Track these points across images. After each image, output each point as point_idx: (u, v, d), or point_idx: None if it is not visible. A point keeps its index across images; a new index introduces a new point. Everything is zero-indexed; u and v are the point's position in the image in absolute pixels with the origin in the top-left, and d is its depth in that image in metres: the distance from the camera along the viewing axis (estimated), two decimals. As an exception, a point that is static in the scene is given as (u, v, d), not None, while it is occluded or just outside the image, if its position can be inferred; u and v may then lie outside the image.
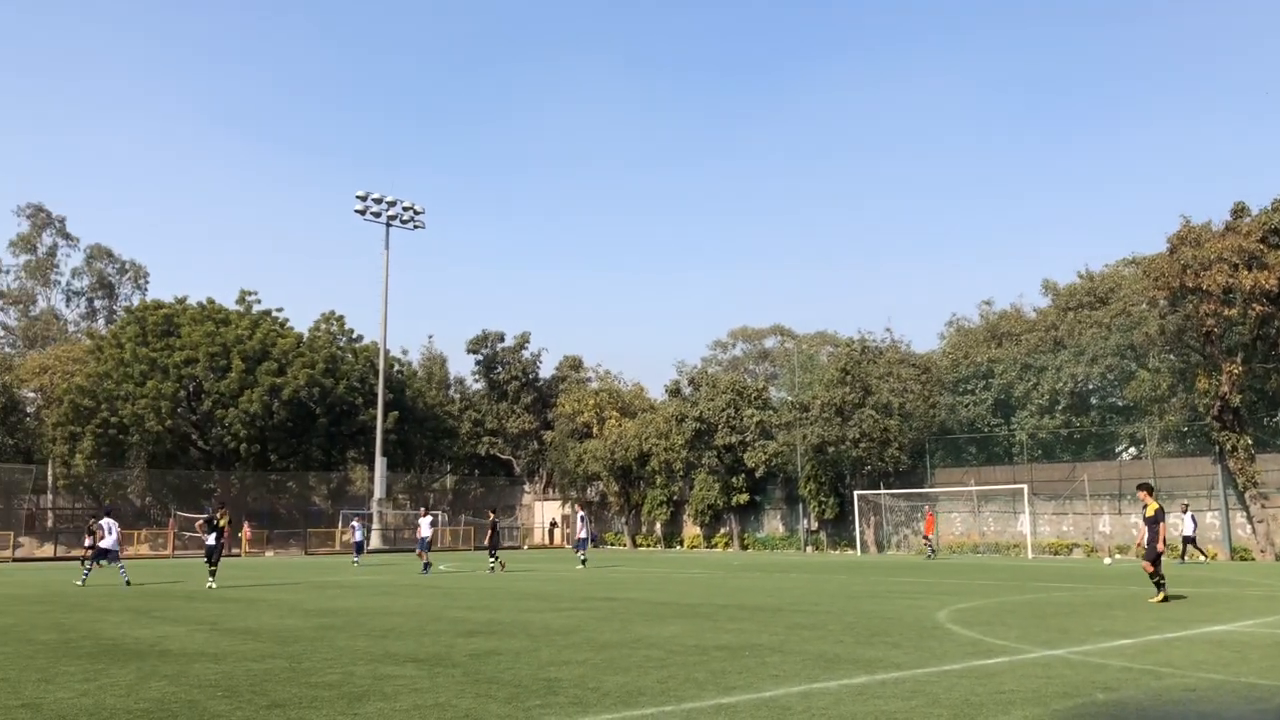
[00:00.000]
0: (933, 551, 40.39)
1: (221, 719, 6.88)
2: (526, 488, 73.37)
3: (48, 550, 49.67)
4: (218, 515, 23.95)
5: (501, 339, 74.43)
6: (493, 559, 29.12)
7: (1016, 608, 15.94)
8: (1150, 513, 17.17)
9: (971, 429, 48.44)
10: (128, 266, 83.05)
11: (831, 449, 47.11)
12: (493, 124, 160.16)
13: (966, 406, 48.87)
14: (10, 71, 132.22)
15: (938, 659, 9.89)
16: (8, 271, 79.64)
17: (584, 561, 32.24)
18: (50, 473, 61.13)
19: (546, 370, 76.21)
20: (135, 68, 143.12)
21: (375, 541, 55.68)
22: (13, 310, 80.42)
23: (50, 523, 60.24)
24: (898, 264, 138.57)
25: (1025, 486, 41.29)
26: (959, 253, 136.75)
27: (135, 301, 74.95)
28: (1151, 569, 17.06)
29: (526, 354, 74.65)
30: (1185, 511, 34.87)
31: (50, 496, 63.99)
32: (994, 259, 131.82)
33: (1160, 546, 17.01)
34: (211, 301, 63.09)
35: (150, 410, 55.54)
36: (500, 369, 74.63)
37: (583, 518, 34.09)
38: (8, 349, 76.95)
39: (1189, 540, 33.88)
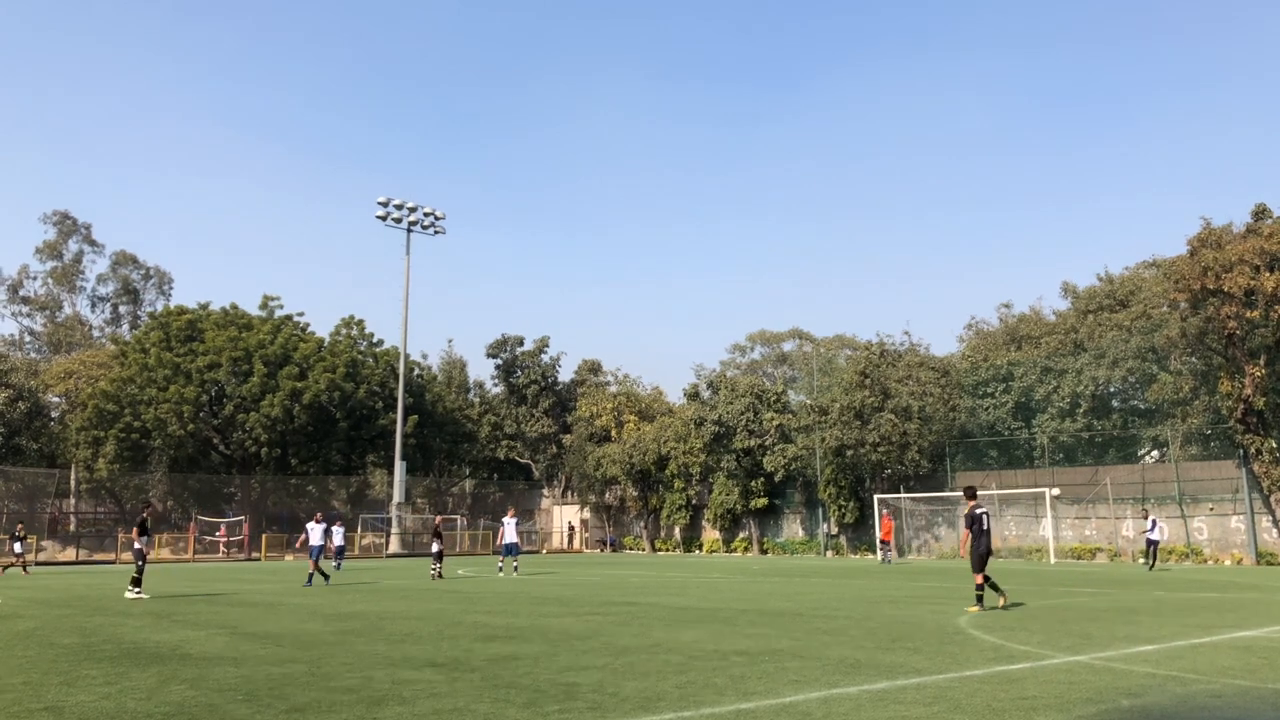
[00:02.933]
0: (887, 558, 38.93)
1: (241, 723, 6.89)
2: (545, 492, 73.45)
3: (70, 554, 50.07)
4: (145, 515, 21.24)
5: (521, 343, 74.59)
6: (435, 565, 27.98)
7: (1039, 613, 15.80)
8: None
9: (992, 432, 48.13)
10: (152, 273, 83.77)
11: (851, 452, 46.91)
12: (513, 130, 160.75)
13: (986, 410, 48.56)
14: (37, 80, 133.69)
15: (959, 664, 9.81)
16: (34, 278, 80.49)
17: (515, 569, 29.94)
18: (73, 477, 61.66)
19: (565, 374, 76.38)
20: (160, 76, 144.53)
21: (394, 546, 55.92)
22: (39, 316, 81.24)
23: (73, 526, 60.72)
24: (916, 267, 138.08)
25: (1047, 490, 40.97)
26: (978, 255, 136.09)
27: (159, 307, 75.54)
28: (981, 580, 16.09)
29: (545, 358, 74.78)
30: (1147, 517, 33.91)
31: (73, 500, 64.53)
32: (1013, 262, 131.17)
33: (963, 552, 16.28)
34: (234, 307, 63.52)
35: (173, 414, 55.95)
36: (519, 373, 74.77)
37: (514, 521, 30.60)
38: (33, 354, 77.70)
39: (1153, 544, 32.97)
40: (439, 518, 31.10)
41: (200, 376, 57.04)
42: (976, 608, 15.89)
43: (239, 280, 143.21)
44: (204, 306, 63.61)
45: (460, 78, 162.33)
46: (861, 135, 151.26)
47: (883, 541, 39.71)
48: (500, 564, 30.55)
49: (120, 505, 63.99)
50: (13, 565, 35.42)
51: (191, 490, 59.84)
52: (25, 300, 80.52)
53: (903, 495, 47.04)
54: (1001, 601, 16.24)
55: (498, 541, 31.18)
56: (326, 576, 26.85)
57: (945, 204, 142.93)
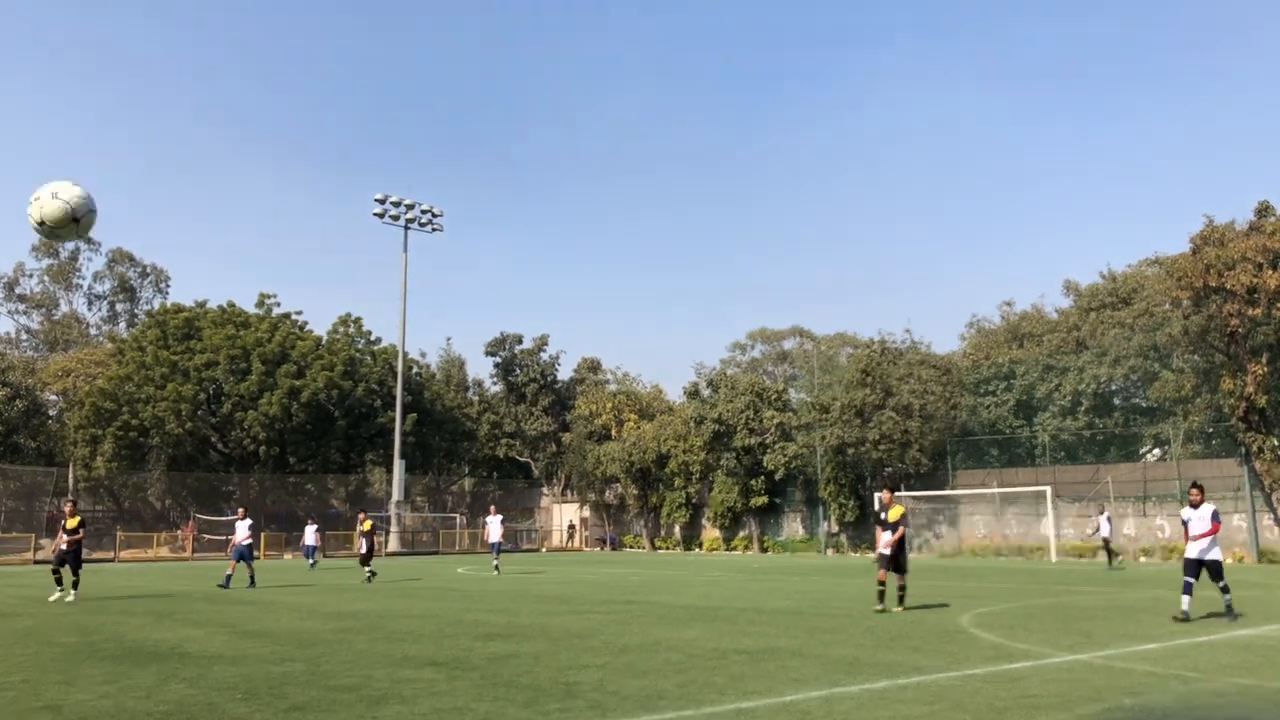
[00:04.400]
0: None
1: (240, 722, 6.86)
2: (545, 490, 73.43)
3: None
4: (67, 514, 20.19)
5: (519, 341, 74.57)
6: (366, 569, 26.96)
7: (1040, 611, 15.78)
8: (893, 517, 15.92)
9: (993, 430, 48.12)
10: (149, 270, 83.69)
11: (852, 451, 46.90)
12: (511, 127, 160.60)
13: (988, 408, 48.55)
14: (28, 74, 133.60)
15: (960, 663, 9.78)
16: (31, 275, 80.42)
17: (496, 567, 30.07)
18: (71, 475, 61.59)
19: (565, 372, 76.31)
20: (153, 70, 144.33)
21: (393, 544, 55.87)
22: (35, 314, 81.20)
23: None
24: (918, 265, 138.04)
25: (1048, 488, 40.93)
26: (980, 253, 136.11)
27: (156, 305, 75.52)
28: (884, 578, 15.66)
29: (545, 356, 74.75)
30: (1102, 513, 33.87)
31: (71, 499, 64.44)
32: (1015, 260, 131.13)
33: (883, 550, 15.82)
34: (232, 305, 63.47)
35: (171, 413, 55.91)
36: (518, 371, 74.74)
37: (499, 519, 31.23)
38: (30, 352, 77.65)
39: (1106, 542, 32.96)
40: (362, 515, 29.37)
41: (198, 375, 57.00)
42: (900, 608, 15.46)
43: (235, 278, 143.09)
44: (201, 304, 63.56)
45: (458, 73, 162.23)
46: (861, 130, 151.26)
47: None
48: (495, 562, 30.59)
49: (119, 503, 63.95)
50: None
51: (190, 488, 59.82)
52: (22, 298, 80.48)
53: (904, 493, 46.96)
54: (877, 607, 15.49)
55: (484, 540, 31.29)
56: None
57: (947, 201, 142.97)
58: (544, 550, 62.46)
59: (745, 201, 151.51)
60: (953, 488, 46.14)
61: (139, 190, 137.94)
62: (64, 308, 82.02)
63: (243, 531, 25.59)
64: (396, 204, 61.06)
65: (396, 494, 58.30)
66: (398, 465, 58.41)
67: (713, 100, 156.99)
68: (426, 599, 19.33)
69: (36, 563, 43.65)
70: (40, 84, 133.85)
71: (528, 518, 70.34)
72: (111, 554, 49.07)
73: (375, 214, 60.66)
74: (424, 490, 70.12)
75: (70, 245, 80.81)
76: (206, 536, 52.33)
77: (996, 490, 44.04)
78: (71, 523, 20.17)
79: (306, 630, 13.18)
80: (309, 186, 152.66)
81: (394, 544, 55.98)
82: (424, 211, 62.10)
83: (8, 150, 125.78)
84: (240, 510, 27.49)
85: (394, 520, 57.50)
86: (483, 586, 23.50)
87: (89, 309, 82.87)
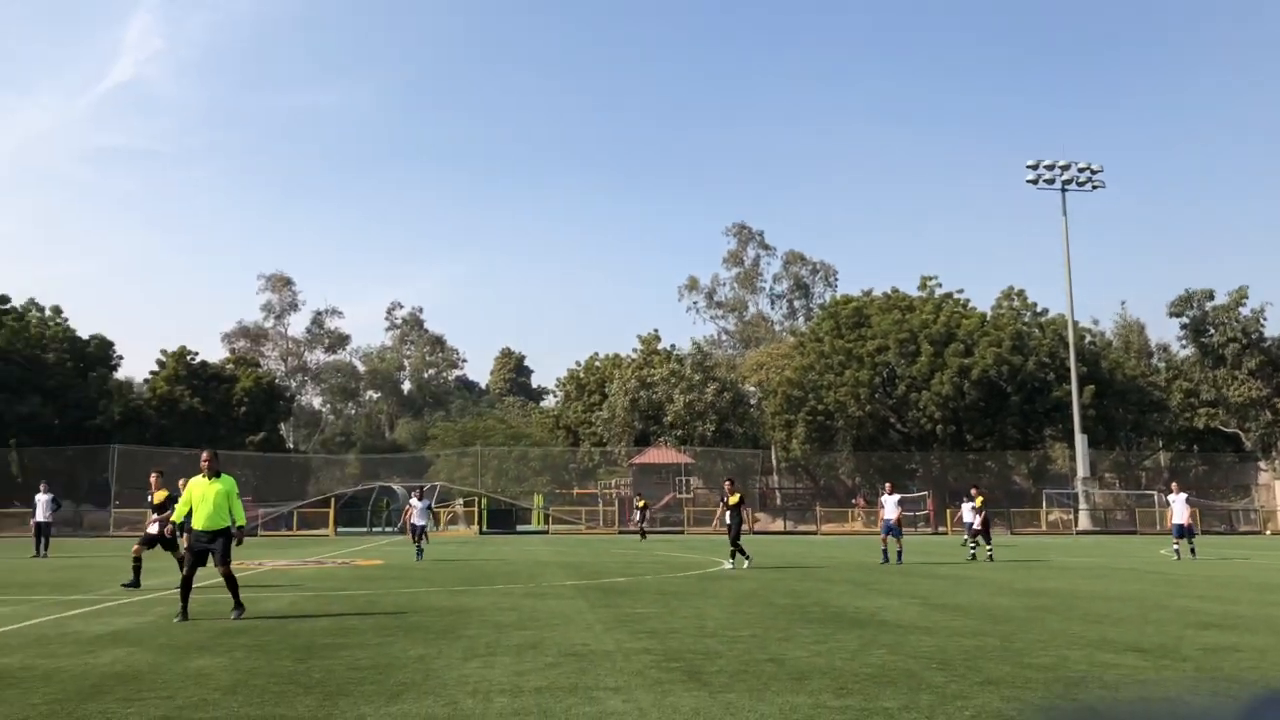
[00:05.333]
0: None
1: (936, 690, 7.06)
2: (1262, 465, 63.84)
3: (778, 525, 56.37)
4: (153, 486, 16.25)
5: (1210, 297, 66.10)
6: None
7: None
8: None
9: None
10: (818, 267, 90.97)
11: None
12: (1179, 62, 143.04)
13: None
14: (728, 114, 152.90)
15: None
16: (724, 284, 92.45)
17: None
18: (774, 456, 69.36)
19: (1275, 328, 65.71)
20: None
21: (1084, 523, 53.33)
22: (730, 317, 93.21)
23: (778, 500, 68.26)
24: None
25: None
26: None
27: (828, 298, 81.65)
28: None
29: (1245, 311, 65.18)
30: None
31: (775, 477, 72.58)
32: None
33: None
34: (895, 290, 66.09)
35: (850, 397, 59.99)
36: (1213, 331, 66.21)
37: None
38: (729, 351, 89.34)
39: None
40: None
41: (871, 360, 60.31)
42: None
43: (895, 264, 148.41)
44: (867, 293, 67.20)
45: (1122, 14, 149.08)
46: None
47: None
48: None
49: (815, 481, 70.36)
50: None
51: (875, 467, 63.57)
52: (719, 304, 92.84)
53: None
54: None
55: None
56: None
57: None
58: (1268, 533, 54.38)
59: None
60: None
61: (804, 191, 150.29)
62: (751, 309, 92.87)
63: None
64: (1050, 167, 58.23)
65: (1081, 470, 55.47)
66: (1079, 441, 55.54)
67: None
68: (1124, 581, 18.02)
69: (755, 533, 49.79)
70: (729, 118, 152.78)
71: (1242, 496, 61.92)
72: (814, 527, 54.31)
73: (1029, 181, 58.59)
74: (1112, 466, 65.67)
75: (752, 253, 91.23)
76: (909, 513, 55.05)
77: None
78: (158, 496, 16.01)
79: (998, 606, 13.12)
80: (959, 166, 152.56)
81: (1084, 522, 53.39)
82: (1081, 170, 58.32)
83: (702, 173, 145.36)
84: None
85: (1081, 498, 54.82)
86: (1188, 570, 21.20)
87: (771, 308, 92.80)
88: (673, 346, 75.67)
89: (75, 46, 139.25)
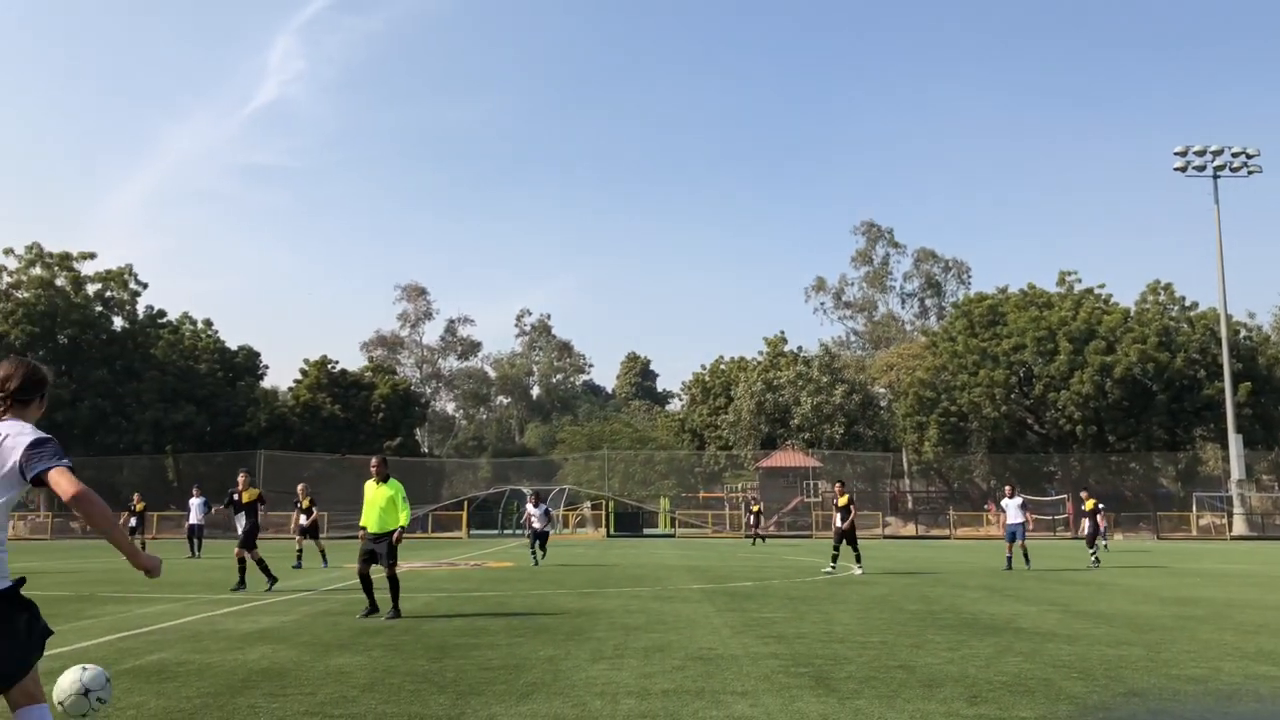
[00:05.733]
0: None
1: (1076, 701, 6.80)
2: None
3: (909, 529, 55.10)
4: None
5: (1380, 286, 61.49)
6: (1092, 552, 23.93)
7: None
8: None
9: None
10: (950, 264, 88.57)
11: None
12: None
13: None
14: (838, 104, 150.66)
15: None
16: (852, 284, 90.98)
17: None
18: (905, 459, 67.83)
19: None
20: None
21: (1239, 527, 50.44)
22: (859, 317, 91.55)
23: (910, 504, 66.78)
24: None
25: None
26: None
27: (960, 296, 79.40)
28: None
29: None
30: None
31: (907, 481, 71.02)
32: None
33: None
34: (1032, 287, 63.84)
35: (985, 397, 58.21)
36: (1386, 322, 61.69)
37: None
38: (859, 351, 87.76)
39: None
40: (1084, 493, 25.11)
41: (1006, 359, 58.42)
42: None
43: (1032, 259, 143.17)
44: (1002, 290, 65.10)
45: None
46: None
47: None
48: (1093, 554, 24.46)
49: (948, 484, 68.49)
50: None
51: (1011, 469, 61.50)
52: (847, 304, 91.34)
53: None
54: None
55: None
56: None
57: None
58: None
59: None
60: None
61: (935, 188, 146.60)
62: (881, 309, 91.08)
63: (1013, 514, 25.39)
64: (1200, 153, 55.26)
65: (1236, 472, 52.44)
66: (1233, 441, 52.53)
67: None
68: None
69: (885, 537, 48.88)
70: (850, 111, 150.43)
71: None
72: (947, 532, 52.90)
73: (1176, 168, 55.69)
74: (1270, 467, 61.86)
75: (881, 252, 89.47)
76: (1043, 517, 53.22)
77: None
78: (248, 496, 16.31)
79: (1142, 614, 12.55)
80: (1100, 155, 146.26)
81: (1239, 527, 50.49)
82: (1235, 155, 55.14)
83: (826, 170, 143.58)
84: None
85: (1236, 501, 51.87)
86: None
87: (902, 307, 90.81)
88: (799, 348, 75.03)
89: (224, 71, 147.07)
